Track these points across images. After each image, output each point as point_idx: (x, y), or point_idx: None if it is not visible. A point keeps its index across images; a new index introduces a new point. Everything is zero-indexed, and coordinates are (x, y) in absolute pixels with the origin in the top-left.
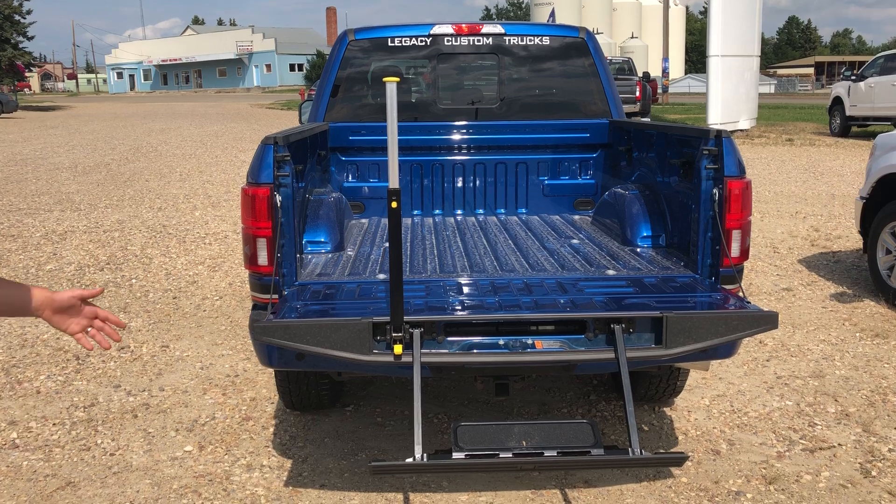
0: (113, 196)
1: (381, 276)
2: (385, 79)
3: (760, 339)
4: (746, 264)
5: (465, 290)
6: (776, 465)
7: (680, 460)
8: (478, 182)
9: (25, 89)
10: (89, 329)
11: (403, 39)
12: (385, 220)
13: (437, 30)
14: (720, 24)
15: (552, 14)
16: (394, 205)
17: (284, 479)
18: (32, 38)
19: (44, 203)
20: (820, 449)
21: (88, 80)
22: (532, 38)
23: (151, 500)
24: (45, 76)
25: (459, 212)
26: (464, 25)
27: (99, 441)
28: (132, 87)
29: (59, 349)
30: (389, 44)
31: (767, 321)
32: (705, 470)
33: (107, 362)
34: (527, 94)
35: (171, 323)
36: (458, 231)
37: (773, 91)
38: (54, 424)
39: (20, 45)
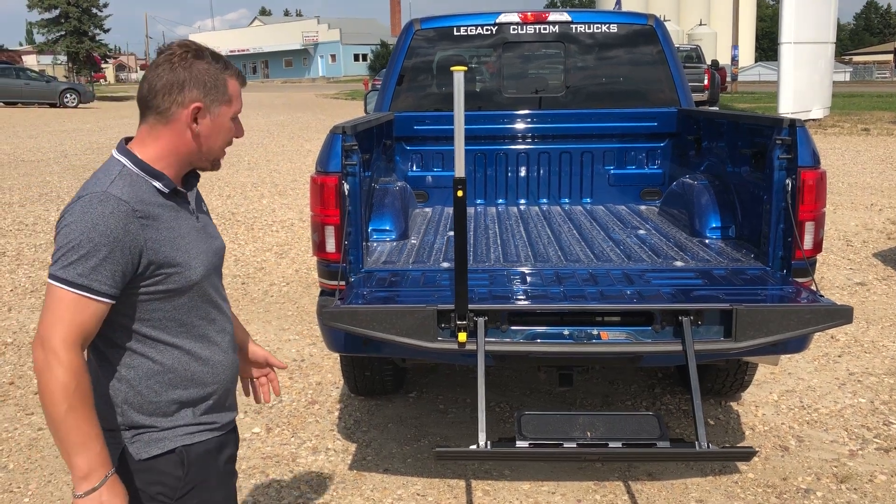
0: None
1: (445, 265)
2: (453, 68)
3: (832, 335)
4: (818, 258)
5: (529, 279)
6: (848, 464)
7: (748, 455)
8: (542, 171)
9: (101, 80)
10: (256, 378)
11: (469, 28)
12: (448, 209)
13: (503, 18)
14: (793, 9)
15: (618, 1)
16: (459, 193)
17: (349, 462)
18: (108, 30)
19: None
20: (895, 448)
21: None
22: (599, 25)
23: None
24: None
25: (523, 201)
26: (530, 14)
27: None
28: None
29: None
30: (455, 33)
31: (841, 315)
32: (773, 466)
33: None
34: (593, 83)
35: (240, 308)
36: (522, 220)
37: (848, 79)
38: None
39: (97, 38)
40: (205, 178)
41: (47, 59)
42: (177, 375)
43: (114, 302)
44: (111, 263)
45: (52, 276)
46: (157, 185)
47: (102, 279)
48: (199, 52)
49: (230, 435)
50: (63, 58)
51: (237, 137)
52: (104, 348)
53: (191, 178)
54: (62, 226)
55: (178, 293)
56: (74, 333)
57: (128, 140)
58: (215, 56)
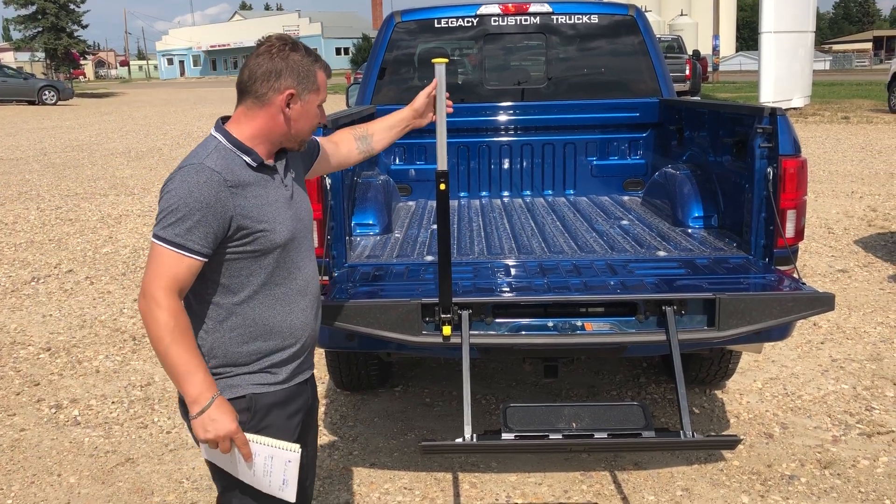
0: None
1: (429, 258)
2: (434, 60)
3: (815, 322)
4: (800, 246)
5: (513, 271)
6: (831, 450)
7: (732, 443)
8: (525, 163)
9: (80, 77)
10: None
11: (450, 20)
12: (432, 203)
13: (483, 10)
14: None
15: None
16: (442, 187)
17: (335, 457)
18: (87, 26)
19: (99, 188)
20: (878, 433)
21: (140, 67)
22: (580, 16)
23: (207, 477)
24: (99, 63)
25: (506, 193)
26: (510, 5)
27: (156, 419)
28: (182, 73)
29: (116, 330)
30: (436, 25)
31: (823, 303)
32: (758, 453)
33: None
34: (575, 74)
35: None
36: (505, 213)
37: (828, 68)
38: (113, 403)
39: (75, 34)
40: None
41: (25, 55)
42: (256, 329)
43: (206, 260)
44: (204, 226)
45: (154, 236)
46: (247, 159)
47: (196, 239)
48: (294, 46)
49: (301, 389)
50: (41, 54)
51: (321, 123)
52: (195, 304)
53: (280, 154)
54: (164, 192)
55: (263, 254)
56: (172, 284)
57: (224, 119)
58: (307, 50)
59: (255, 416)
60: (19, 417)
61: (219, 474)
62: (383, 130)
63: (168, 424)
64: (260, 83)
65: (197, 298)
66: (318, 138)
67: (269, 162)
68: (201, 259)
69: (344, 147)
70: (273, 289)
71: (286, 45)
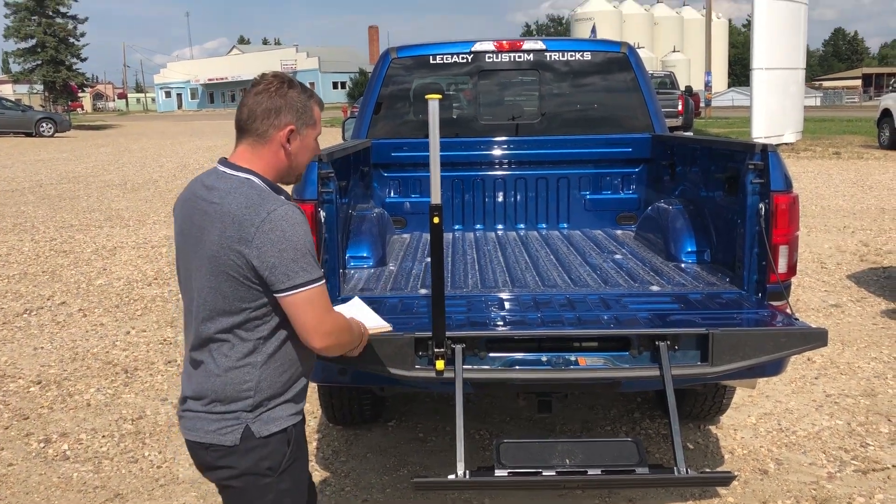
0: (161, 212)
1: (423, 292)
2: (427, 95)
3: (809, 357)
4: (793, 280)
5: (507, 305)
6: (827, 487)
7: (727, 479)
8: (519, 197)
9: (78, 109)
10: None
11: (445, 57)
12: (426, 236)
13: (478, 47)
14: (764, 36)
15: (594, 29)
16: (436, 220)
17: (327, 493)
18: (85, 59)
19: (94, 219)
20: (873, 470)
21: (138, 100)
22: (573, 53)
23: None
24: (97, 96)
25: (500, 227)
26: (505, 42)
27: (146, 453)
28: (179, 106)
29: (108, 362)
30: (431, 61)
31: (816, 338)
32: (752, 490)
33: (154, 376)
34: (568, 110)
35: None
36: (500, 246)
37: (818, 104)
38: (103, 437)
39: (74, 67)
40: None
41: (24, 88)
42: (288, 357)
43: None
44: (314, 255)
45: (296, 286)
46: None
47: (318, 265)
48: (291, 83)
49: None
50: (39, 87)
51: (317, 155)
52: (248, 339)
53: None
54: (268, 250)
55: None
56: (329, 311)
57: (223, 160)
58: (302, 86)
59: (292, 447)
60: (7, 452)
61: None
62: None
63: (158, 459)
64: (260, 121)
65: (251, 334)
66: None
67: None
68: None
69: None
70: None
71: (283, 82)
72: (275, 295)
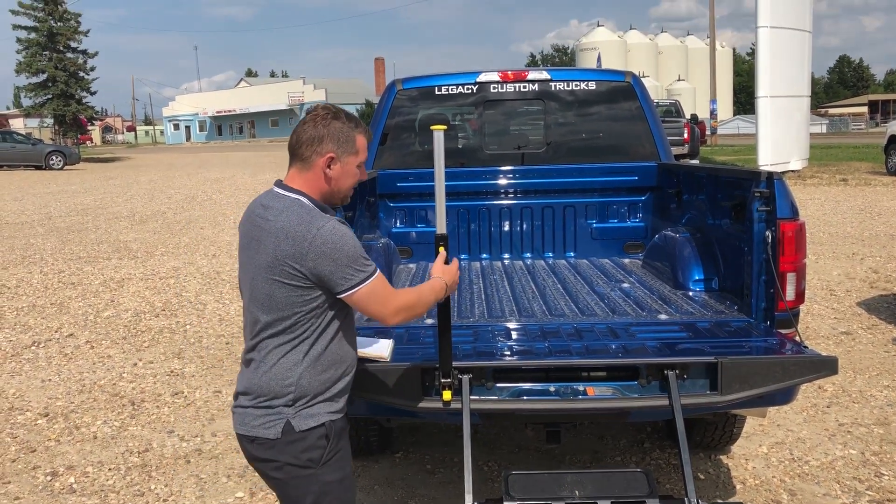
0: (169, 244)
1: (429, 321)
2: (433, 127)
3: (820, 385)
4: (802, 308)
5: (514, 335)
6: None
7: None
8: (525, 226)
9: (87, 142)
10: None
11: (450, 87)
12: (432, 264)
13: (483, 77)
14: (768, 64)
15: (599, 59)
16: (441, 251)
17: None
18: (95, 92)
19: (103, 251)
20: (888, 501)
21: (147, 132)
22: (578, 83)
23: None
24: (106, 129)
25: (507, 256)
26: (510, 72)
27: (153, 486)
28: (188, 138)
29: (115, 395)
30: (436, 92)
31: (826, 366)
32: None
33: (161, 408)
34: (573, 139)
35: (224, 368)
36: (506, 275)
37: (824, 131)
38: (110, 470)
39: (84, 100)
40: (190, 238)
41: (34, 121)
42: (332, 358)
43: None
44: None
45: (358, 284)
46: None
47: (369, 258)
48: (336, 114)
49: (346, 415)
50: (50, 120)
51: (361, 180)
52: (291, 341)
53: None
54: (327, 263)
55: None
56: (392, 295)
57: (279, 181)
58: (349, 116)
59: (331, 441)
60: (14, 485)
61: None
62: None
63: (165, 492)
64: (305, 147)
65: (297, 337)
66: None
67: None
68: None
69: None
70: (348, 322)
71: (329, 113)
72: (338, 296)
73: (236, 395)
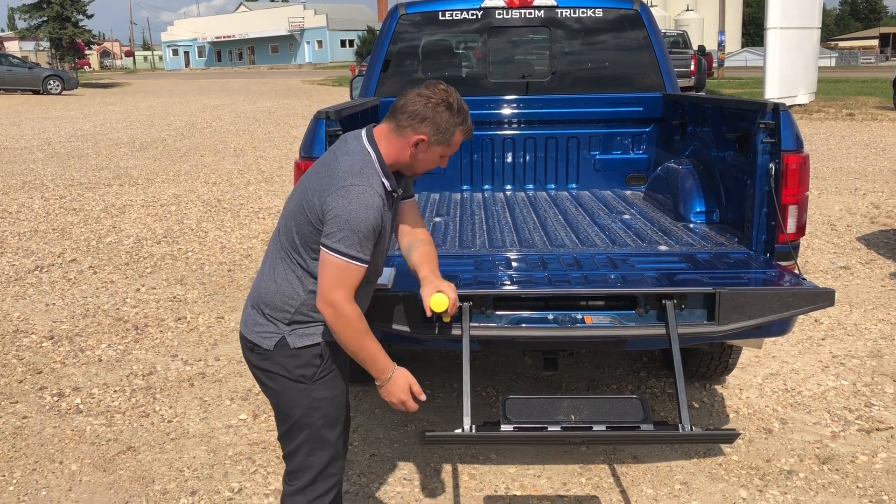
0: (169, 171)
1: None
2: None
3: (816, 318)
4: (803, 242)
5: (514, 264)
6: (830, 445)
7: (731, 437)
8: (528, 157)
9: (85, 67)
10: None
11: (454, 13)
12: (433, 195)
13: (488, 3)
14: None
15: None
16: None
17: None
18: (92, 16)
19: (103, 178)
20: (877, 430)
21: (145, 58)
22: (585, 10)
23: (207, 466)
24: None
25: (509, 187)
26: None
27: (157, 408)
28: (187, 64)
29: (119, 319)
30: (440, 18)
31: (823, 298)
32: (756, 448)
33: (164, 332)
34: (579, 68)
35: (227, 295)
36: (508, 206)
37: (833, 64)
38: (115, 391)
39: (80, 24)
40: (191, 165)
41: (30, 45)
42: None
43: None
44: (371, 239)
45: (332, 249)
46: (386, 183)
47: (366, 250)
48: (450, 105)
49: None
50: (46, 44)
51: (440, 167)
52: (301, 265)
53: (401, 176)
54: (339, 210)
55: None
56: (350, 292)
57: (370, 131)
58: (460, 109)
59: (325, 361)
60: (22, 405)
61: (289, 435)
62: (414, 260)
63: (169, 413)
64: (407, 118)
65: (308, 264)
66: (409, 206)
67: (396, 193)
68: (366, 266)
69: (406, 227)
70: (365, 286)
71: (442, 102)
72: (319, 242)
73: (248, 299)
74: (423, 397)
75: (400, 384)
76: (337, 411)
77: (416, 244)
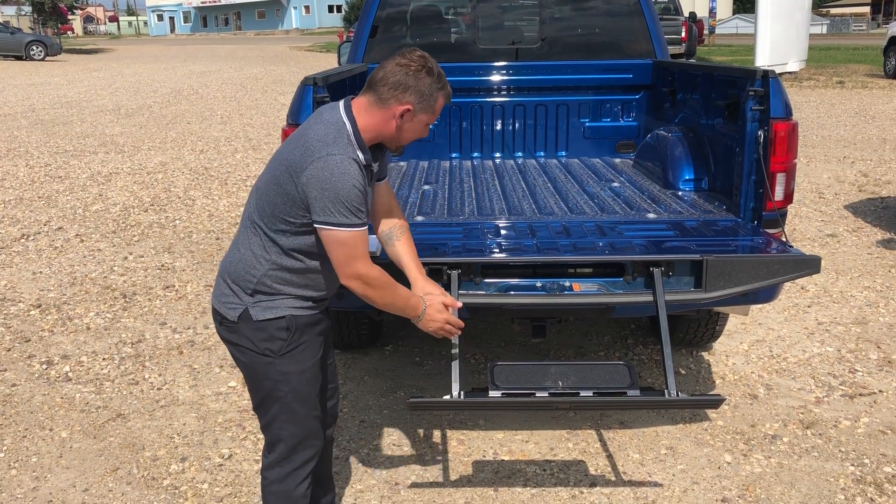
0: (156, 138)
1: (419, 218)
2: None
3: (802, 285)
4: (791, 210)
5: (503, 232)
6: (814, 411)
7: (716, 403)
8: (517, 124)
9: (68, 32)
10: None
11: None
12: (423, 163)
13: None
14: None
15: None
16: (451, 302)
17: None
18: None
19: (89, 145)
20: (860, 395)
21: (130, 23)
22: None
23: (197, 433)
24: (88, 19)
25: (498, 154)
26: None
27: (147, 376)
28: (172, 30)
29: (106, 287)
30: None
31: (809, 265)
32: (742, 413)
33: (152, 301)
34: (569, 34)
35: (215, 263)
36: (497, 174)
37: (824, 31)
38: (104, 359)
39: None
40: (177, 133)
41: (11, 9)
42: (306, 280)
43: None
44: (364, 201)
45: (333, 224)
46: (360, 156)
47: (363, 214)
48: (430, 70)
49: (325, 315)
50: (28, 8)
51: (422, 137)
52: (269, 237)
53: (377, 152)
54: (322, 182)
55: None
56: (366, 256)
57: (347, 102)
58: (439, 74)
59: (294, 333)
60: (10, 373)
61: (262, 407)
62: (397, 252)
63: (159, 381)
64: (388, 89)
65: (276, 237)
66: (384, 188)
67: (372, 168)
68: (367, 225)
69: (382, 210)
70: (323, 256)
71: (423, 68)
72: (313, 224)
73: (220, 265)
74: (459, 305)
75: (436, 307)
76: (307, 386)
77: (394, 231)
